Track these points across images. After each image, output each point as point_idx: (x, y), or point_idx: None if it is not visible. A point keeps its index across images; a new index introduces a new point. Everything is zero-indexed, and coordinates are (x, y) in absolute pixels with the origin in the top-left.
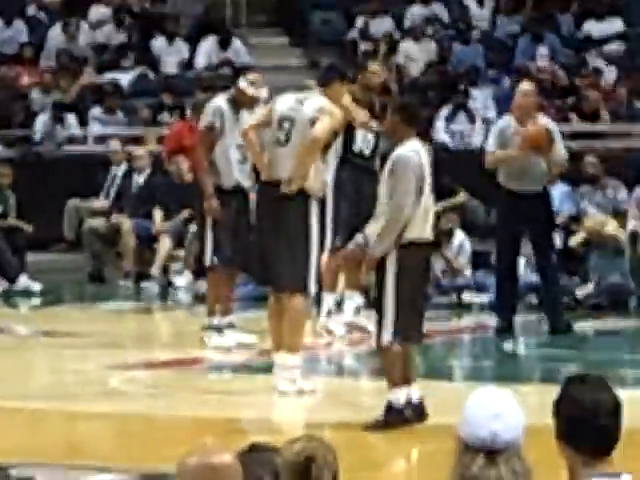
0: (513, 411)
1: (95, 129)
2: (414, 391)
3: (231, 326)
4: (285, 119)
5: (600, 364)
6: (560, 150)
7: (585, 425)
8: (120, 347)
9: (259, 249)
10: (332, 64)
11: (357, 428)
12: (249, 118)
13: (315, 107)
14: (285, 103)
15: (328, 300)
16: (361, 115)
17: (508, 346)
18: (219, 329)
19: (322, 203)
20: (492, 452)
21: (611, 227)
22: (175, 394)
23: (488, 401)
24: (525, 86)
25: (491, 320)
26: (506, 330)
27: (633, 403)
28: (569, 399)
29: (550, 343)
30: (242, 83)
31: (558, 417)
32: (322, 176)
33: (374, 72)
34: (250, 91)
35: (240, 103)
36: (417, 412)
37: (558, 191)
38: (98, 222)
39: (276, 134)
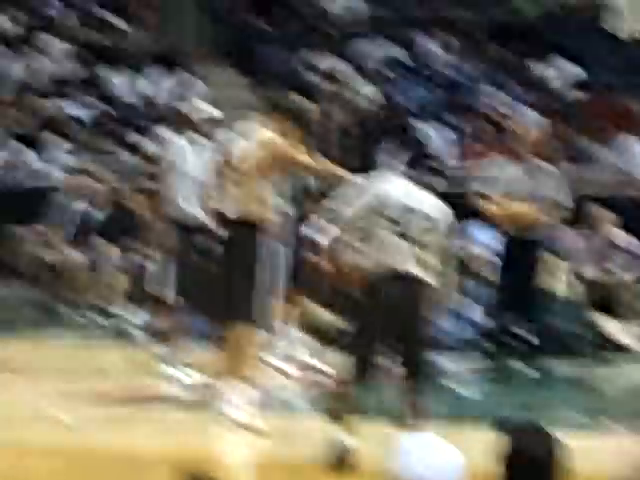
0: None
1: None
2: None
3: (183, 360)
4: (227, 160)
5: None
6: None
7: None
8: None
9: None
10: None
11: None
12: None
13: (247, 142)
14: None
15: (279, 339)
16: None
17: None
18: (173, 362)
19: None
20: None
21: None
22: (123, 430)
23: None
24: None
25: None
26: None
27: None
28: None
29: None
30: (193, 114)
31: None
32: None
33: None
34: (201, 115)
35: (197, 132)
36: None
37: None
38: (56, 257)
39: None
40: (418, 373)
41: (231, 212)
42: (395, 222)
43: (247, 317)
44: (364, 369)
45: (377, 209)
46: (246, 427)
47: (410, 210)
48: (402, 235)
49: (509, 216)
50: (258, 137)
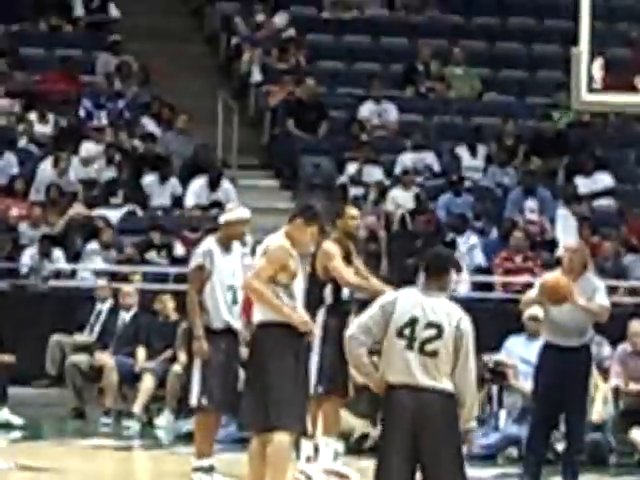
0: None
1: (91, 264)
2: None
3: (212, 469)
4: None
5: None
6: (601, 302)
7: None
8: None
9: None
10: (307, 204)
11: None
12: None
13: (262, 248)
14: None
15: (307, 446)
16: (348, 274)
17: None
18: (209, 471)
19: (307, 349)
20: None
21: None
22: None
23: None
24: (572, 242)
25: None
26: None
27: None
28: None
29: None
30: (222, 218)
31: None
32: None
33: (352, 216)
34: (230, 217)
35: (229, 238)
36: None
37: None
38: (81, 358)
39: None
40: None
41: (259, 317)
42: (400, 331)
43: (291, 425)
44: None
45: (382, 320)
46: None
47: (414, 319)
48: (409, 345)
49: (551, 285)
50: (264, 247)
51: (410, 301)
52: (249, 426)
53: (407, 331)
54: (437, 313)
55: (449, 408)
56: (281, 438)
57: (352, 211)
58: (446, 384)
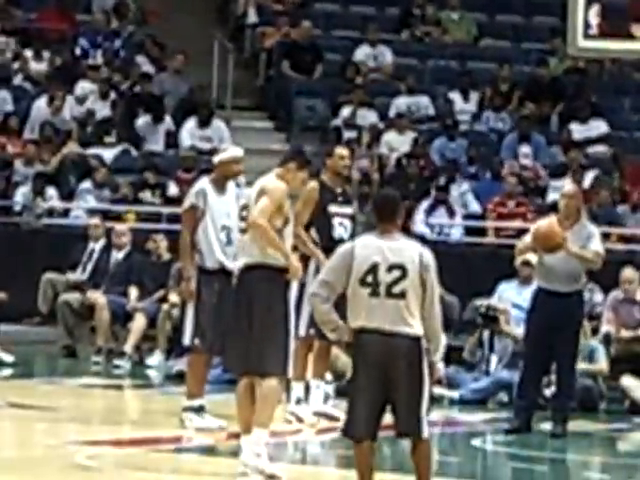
0: None
1: (85, 203)
2: None
3: (202, 409)
4: (244, 208)
5: (567, 466)
6: (596, 249)
7: None
8: (88, 423)
9: (235, 333)
10: (298, 148)
11: None
12: (232, 198)
13: (256, 189)
14: (251, 192)
15: (297, 388)
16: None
17: (477, 443)
18: (199, 411)
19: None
20: None
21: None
22: (140, 473)
23: None
24: (569, 188)
25: (461, 416)
26: (522, 431)
27: None
28: None
29: (520, 442)
30: (216, 158)
31: None
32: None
33: (341, 156)
34: (223, 157)
35: (223, 178)
36: None
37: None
38: (73, 297)
39: (240, 225)
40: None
41: (249, 259)
42: (363, 279)
43: (278, 369)
44: (359, 423)
45: (342, 271)
46: (271, 476)
47: (375, 265)
48: (374, 292)
49: (543, 232)
50: (259, 187)
51: (368, 248)
52: (233, 369)
53: (370, 278)
54: (397, 254)
55: (416, 350)
56: (269, 383)
57: (341, 151)
58: (415, 327)
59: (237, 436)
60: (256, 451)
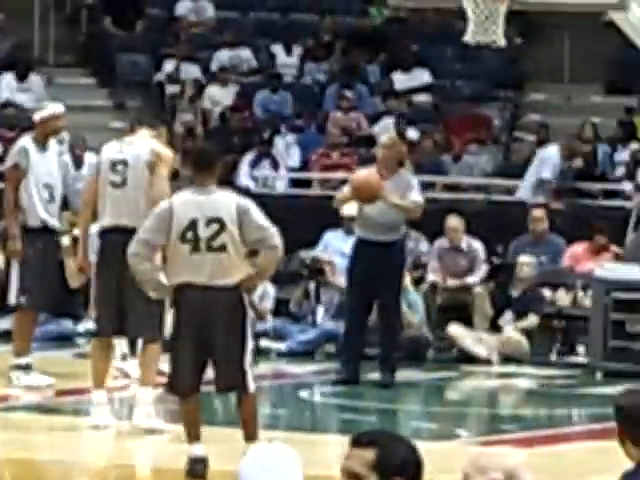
0: (285, 465)
1: None
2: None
3: (29, 367)
4: (118, 162)
5: (396, 416)
6: (414, 198)
7: None
8: None
9: (107, 296)
10: (147, 107)
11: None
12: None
13: (148, 149)
14: (113, 149)
15: (121, 344)
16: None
17: (305, 395)
18: (27, 369)
19: None
20: None
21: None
22: None
23: (260, 455)
24: (386, 138)
25: (288, 368)
26: (350, 382)
27: (429, 456)
28: None
29: (348, 393)
30: (36, 116)
31: None
32: None
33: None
34: (43, 114)
35: (45, 135)
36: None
37: None
38: None
39: (110, 178)
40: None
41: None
42: (183, 236)
43: (156, 330)
44: (184, 379)
45: (161, 229)
46: (157, 431)
47: (194, 221)
48: (195, 247)
49: (359, 183)
50: (150, 148)
51: (186, 204)
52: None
53: (189, 234)
54: (214, 207)
55: (235, 300)
56: (149, 343)
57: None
58: (235, 278)
59: (65, 393)
60: (146, 411)
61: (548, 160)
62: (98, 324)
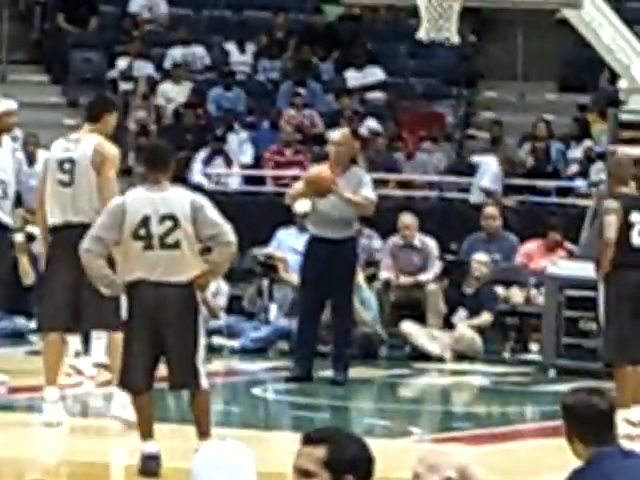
0: (238, 462)
1: None
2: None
3: None
4: (65, 161)
5: (349, 413)
6: (366, 195)
7: None
8: None
9: (59, 293)
10: (100, 96)
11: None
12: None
13: (92, 149)
14: (60, 146)
15: (75, 341)
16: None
17: (258, 392)
18: None
19: None
20: None
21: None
22: None
23: (213, 453)
24: (337, 135)
25: (241, 365)
26: (303, 379)
27: (382, 454)
28: None
29: (301, 390)
30: None
31: None
32: None
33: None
34: None
35: None
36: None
37: None
38: None
39: (58, 176)
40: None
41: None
42: (136, 233)
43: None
44: (136, 376)
45: (114, 226)
46: (130, 424)
47: (146, 218)
48: (148, 244)
49: (312, 176)
50: (93, 146)
51: (139, 201)
52: (53, 321)
53: (142, 231)
54: (168, 204)
55: (187, 297)
56: (113, 335)
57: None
58: (189, 275)
59: (17, 390)
60: (121, 402)
61: (488, 170)
62: (49, 320)
